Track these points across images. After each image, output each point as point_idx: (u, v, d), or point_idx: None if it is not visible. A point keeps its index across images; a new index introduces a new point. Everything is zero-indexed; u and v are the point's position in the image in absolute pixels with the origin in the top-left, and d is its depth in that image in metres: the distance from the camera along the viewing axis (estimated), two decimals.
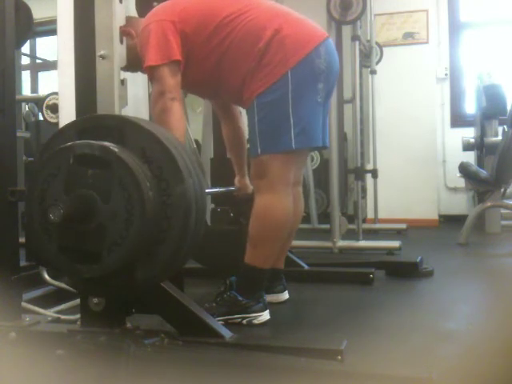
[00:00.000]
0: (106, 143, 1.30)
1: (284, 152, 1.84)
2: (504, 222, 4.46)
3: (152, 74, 1.82)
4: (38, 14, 3.62)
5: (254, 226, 1.87)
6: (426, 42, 5.35)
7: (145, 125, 1.35)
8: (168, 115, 1.78)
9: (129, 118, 1.38)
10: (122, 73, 1.52)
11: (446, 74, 5.53)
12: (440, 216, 5.35)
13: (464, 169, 3.98)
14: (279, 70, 1.80)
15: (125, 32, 1.62)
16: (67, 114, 1.91)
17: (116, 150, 1.28)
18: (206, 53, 1.86)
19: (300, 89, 1.82)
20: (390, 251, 3.35)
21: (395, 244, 3.37)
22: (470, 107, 5.41)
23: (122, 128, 1.33)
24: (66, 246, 1.31)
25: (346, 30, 4.03)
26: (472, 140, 4.63)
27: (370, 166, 4.72)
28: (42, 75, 5.95)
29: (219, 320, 1.71)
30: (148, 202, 1.26)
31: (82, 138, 1.33)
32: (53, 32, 2.36)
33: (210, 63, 1.88)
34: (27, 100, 4.16)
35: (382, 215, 4.81)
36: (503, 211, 4.36)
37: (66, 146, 1.31)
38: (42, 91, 4.51)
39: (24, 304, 1.73)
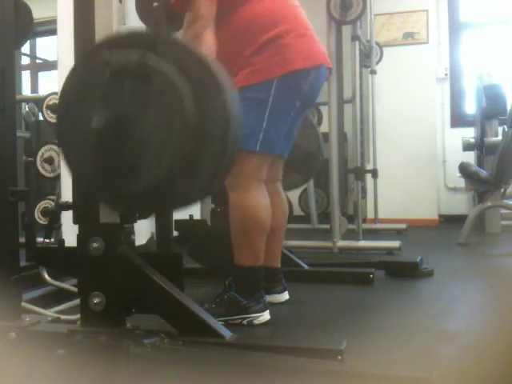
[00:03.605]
0: (144, 55, 1.26)
1: (247, 151, 1.86)
2: (504, 222, 4.46)
3: None
4: (38, 14, 3.61)
5: (234, 226, 1.90)
6: (426, 42, 5.35)
7: (178, 40, 1.32)
8: (199, 42, 1.77)
9: (161, 33, 1.34)
10: None
11: (446, 74, 5.53)
12: (440, 216, 5.35)
13: (464, 169, 3.98)
14: (267, 74, 1.83)
15: None
16: None
17: (154, 61, 1.24)
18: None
19: (280, 99, 1.85)
20: (390, 251, 3.35)
21: (395, 244, 3.37)
22: (470, 107, 5.42)
23: (156, 42, 1.29)
24: (104, 163, 1.29)
25: (346, 30, 4.03)
26: (472, 140, 4.63)
27: (369, 166, 4.72)
28: (42, 75, 5.95)
29: (219, 321, 1.71)
30: (189, 113, 1.22)
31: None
32: (53, 32, 2.36)
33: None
34: (27, 100, 4.15)
35: (381, 215, 4.81)
36: (503, 211, 4.36)
37: (101, 61, 1.28)
38: (42, 91, 4.51)
39: (24, 304, 1.73)
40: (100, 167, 1.29)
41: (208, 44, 1.78)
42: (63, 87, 1.36)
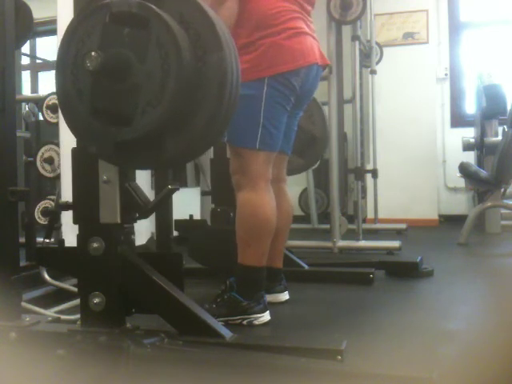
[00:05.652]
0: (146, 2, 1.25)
1: (248, 149, 1.87)
2: (504, 222, 4.46)
3: None
4: (38, 14, 3.61)
5: (241, 226, 1.88)
6: (426, 42, 5.35)
7: None
8: (220, 8, 1.76)
9: None
10: None
11: (446, 74, 5.53)
12: (440, 216, 5.35)
13: (464, 169, 3.98)
14: (258, 73, 1.83)
15: None
16: None
17: (154, 7, 1.23)
18: None
19: (274, 94, 1.86)
20: (390, 251, 3.35)
21: (395, 244, 3.37)
22: (470, 107, 5.41)
23: None
24: (98, 108, 1.28)
25: (346, 30, 4.03)
26: (472, 140, 4.63)
27: (369, 166, 4.72)
28: (41, 75, 5.94)
29: (220, 321, 1.71)
30: (185, 60, 1.21)
31: None
32: (53, 32, 2.35)
33: None
34: (27, 100, 4.15)
35: (381, 215, 4.81)
36: (503, 211, 4.36)
37: (102, 4, 1.27)
38: (42, 91, 4.51)
39: (24, 304, 1.73)
40: (93, 113, 1.28)
41: (228, 13, 1.78)
42: (65, 32, 1.35)
